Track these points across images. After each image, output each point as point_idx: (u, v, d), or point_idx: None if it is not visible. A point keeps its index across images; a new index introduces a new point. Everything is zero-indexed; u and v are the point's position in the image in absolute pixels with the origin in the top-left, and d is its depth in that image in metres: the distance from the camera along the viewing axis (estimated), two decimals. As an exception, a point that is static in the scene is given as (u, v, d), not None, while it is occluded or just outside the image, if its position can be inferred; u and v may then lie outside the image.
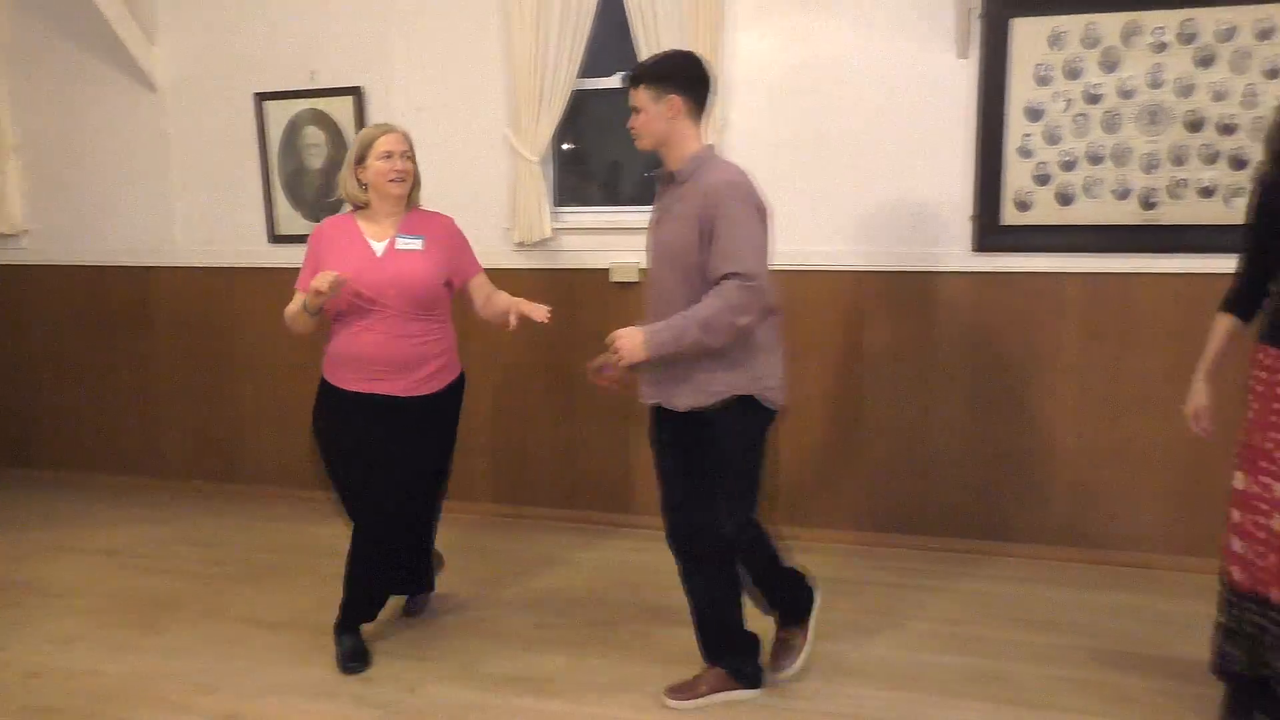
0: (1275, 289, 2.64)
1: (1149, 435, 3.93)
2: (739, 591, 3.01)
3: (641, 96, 2.79)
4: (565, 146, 4.68)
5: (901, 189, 4.07)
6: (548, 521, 4.67)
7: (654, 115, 2.78)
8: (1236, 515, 2.69)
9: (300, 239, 4.76)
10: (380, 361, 3.19)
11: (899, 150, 4.06)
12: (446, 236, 3.32)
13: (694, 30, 4.08)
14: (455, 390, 3.38)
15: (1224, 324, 2.73)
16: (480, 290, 3.37)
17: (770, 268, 2.76)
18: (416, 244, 3.22)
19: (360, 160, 3.20)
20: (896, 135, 4.05)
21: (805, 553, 4.17)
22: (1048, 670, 3.20)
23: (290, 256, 4.80)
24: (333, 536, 4.53)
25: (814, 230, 4.17)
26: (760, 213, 2.74)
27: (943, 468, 4.18)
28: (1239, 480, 2.69)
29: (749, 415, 2.82)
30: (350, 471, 3.26)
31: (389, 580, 3.45)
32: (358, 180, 3.23)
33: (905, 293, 4.12)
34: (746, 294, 2.65)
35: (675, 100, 2.76)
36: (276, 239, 4.90)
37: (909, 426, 4.19)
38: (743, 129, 4.20)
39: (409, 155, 3.24)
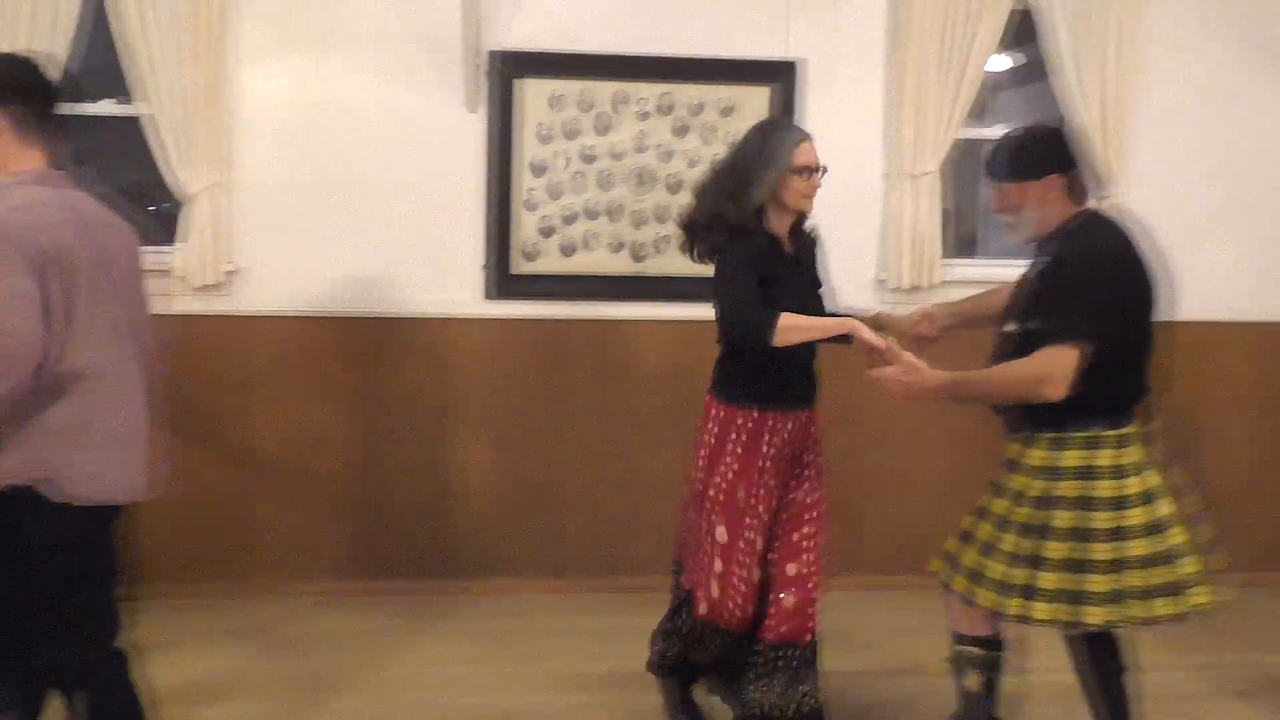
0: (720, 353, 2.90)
1: (654, 468, 4.27)
2: None
3: None
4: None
5: (418, 236, 4.12)
6: None
7: None
8: (719, 565, 2.83)
9: None
10: None
11: (415, 197, 4.10)
12: None
13: (194, 63, 3.84)
14: None
15: None
16: None
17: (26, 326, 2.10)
18: None
19: None
20: (413, 182, 4.09)
21: (317, 608, 4.03)
22: (562, 699, 3.35)
23: None
24: None
25: (330, 276, 4.08)
26: (22, 258, 2.10)
27: (463, 509, 4.24)
28: (721, 534, 2.82)
29: (27, 511, 2.21)
30: None
31: None
32: None
33: (422, 339, 4.15)
34: None
35: None
36: None
37: (429, 470, 4.22)
38: (251, 170, 4.01)
39: None
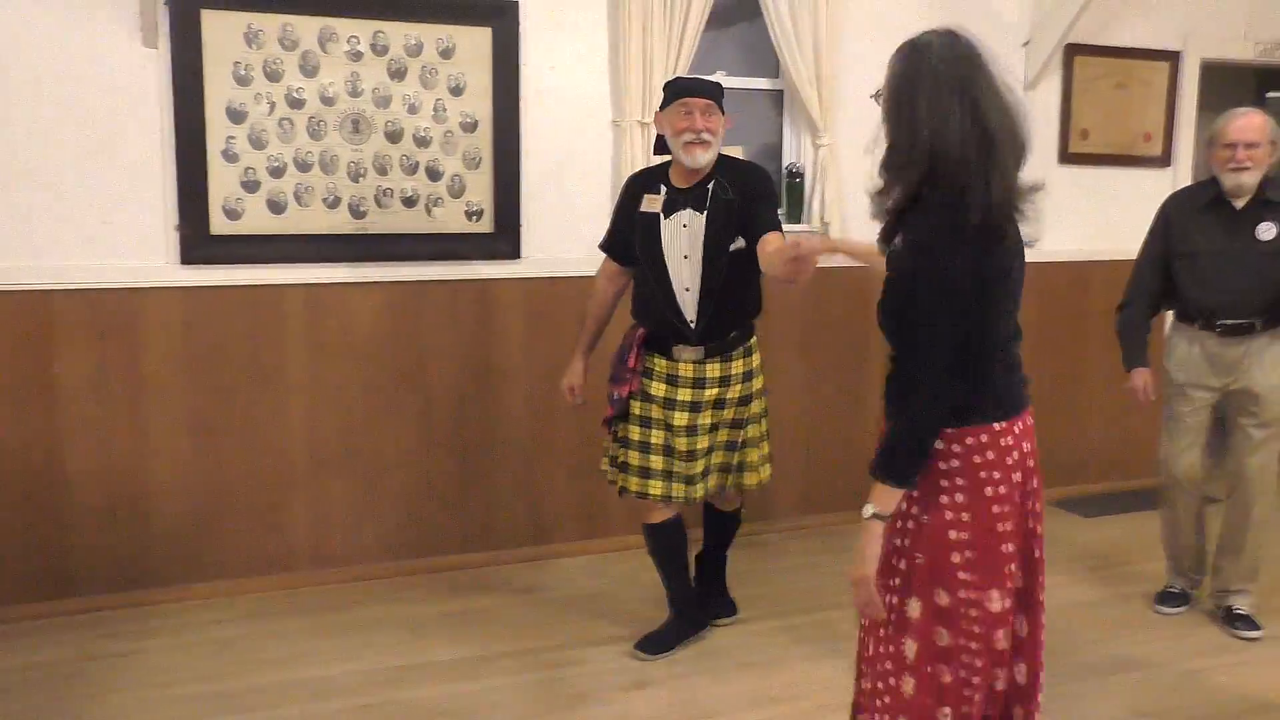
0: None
1: (375, 444, 3.93)
2: None
3: None
4: None
5: (90, 194, 3.50)
6: None
7: None
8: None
9: None
10: None
11: (84, 149, 3.48)
12: None
13: None
14: None
15: None
16: None
17: None
18: None
19: None
20: (79, 132, 3.47)
21: (24, 637, 3.37)
22: (319, 707, 2.99)
23: None
24: None
25: (-24, 242, 3.40)
26: None
27: (163, 509, 3.69)
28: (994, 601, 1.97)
29: None
30: None
31: None
32: None
33: (105, 313, 3.55)
34: None
35: None
36: None
37: (120, 468, 3.62)
38: None
39: None
